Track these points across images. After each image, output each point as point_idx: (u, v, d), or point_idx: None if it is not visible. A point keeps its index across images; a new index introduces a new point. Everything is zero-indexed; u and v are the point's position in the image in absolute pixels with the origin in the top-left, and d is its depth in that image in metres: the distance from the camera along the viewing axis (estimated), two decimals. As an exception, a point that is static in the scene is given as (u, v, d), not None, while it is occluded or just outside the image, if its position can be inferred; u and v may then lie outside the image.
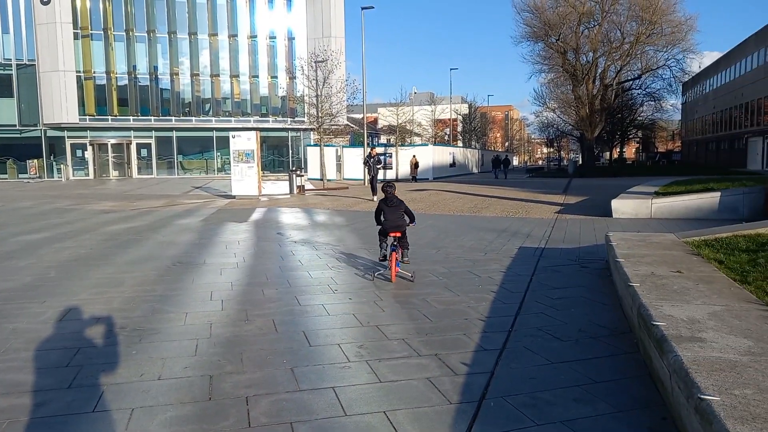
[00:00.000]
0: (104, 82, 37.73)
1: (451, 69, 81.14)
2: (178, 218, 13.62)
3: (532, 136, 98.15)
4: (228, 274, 7.06)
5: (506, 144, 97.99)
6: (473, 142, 65.46)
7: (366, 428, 3.02)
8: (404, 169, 33.88)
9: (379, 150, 34.99)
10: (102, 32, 37.39)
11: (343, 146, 37.85)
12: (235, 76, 40.50)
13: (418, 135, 53.94)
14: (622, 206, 12.59)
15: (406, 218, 6.67)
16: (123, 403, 3.35)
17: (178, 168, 40.07)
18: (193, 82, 39.60)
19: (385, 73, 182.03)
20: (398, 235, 6.56)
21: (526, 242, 9.20)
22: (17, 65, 36.59)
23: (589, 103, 40.14)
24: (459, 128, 68.52)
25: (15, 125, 36.91)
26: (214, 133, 40.14)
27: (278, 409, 3.23)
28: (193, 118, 39.80)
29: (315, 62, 32.29)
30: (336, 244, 9.39)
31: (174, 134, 39.69)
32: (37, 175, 36.84)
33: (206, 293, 6.03)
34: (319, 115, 31.17)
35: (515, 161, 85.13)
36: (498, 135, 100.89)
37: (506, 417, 3.11)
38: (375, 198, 17.02)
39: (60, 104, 36.28)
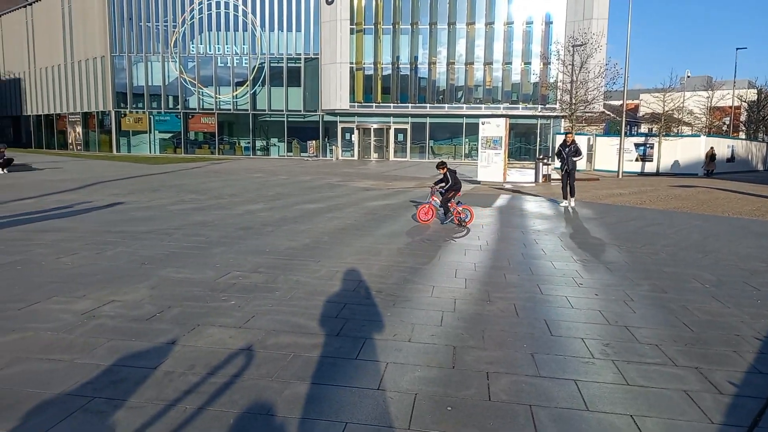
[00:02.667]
0: (371, 72, 41.74)
1: (737, 49, 69.63)
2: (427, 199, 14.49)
3: None
4: (472, 255, 7.32)
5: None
6: (761, 135, 55.27)
7: (610, 428, 2.90)
8: (666, 161, 30.36)
9: (638, 140, 31.97)
10: (373, 27, 41.31)
11: (596, 135, 35.53)
12: (488, 63, 41.01)
13: (688, 124, 47.67)
14: None
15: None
16: (379, 356, 3.79)
17: (429, 152, 42.45)
18: (448, 70, 41.30)
19: (651, 56, 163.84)
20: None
21: (828, 257, 7.53)
22: (305, 59, 42.71)
23: None
24: (742, 117, 58.49)
25: (300, 110, 43.32)
26: (464, 120, 41.39)
27: (517, 390, 3.30)
28: (446, 105, 41.58)
29: (573, 46, 30.80)
30: (581, 237, 8.97)
31: (428, 120, 42.07)
32: (315, 154, 42.74)
33: (451, 270, 6.36)
34: (573, 101, 29.75)
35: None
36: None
37: (785, 453, 2.67)
38: (570, 204, 13.46)
39: (335, 92, 41.34)
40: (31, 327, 4.17)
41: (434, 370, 3.57)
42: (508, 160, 22.60)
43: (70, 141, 48.74)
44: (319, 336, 4.16)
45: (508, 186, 19.47)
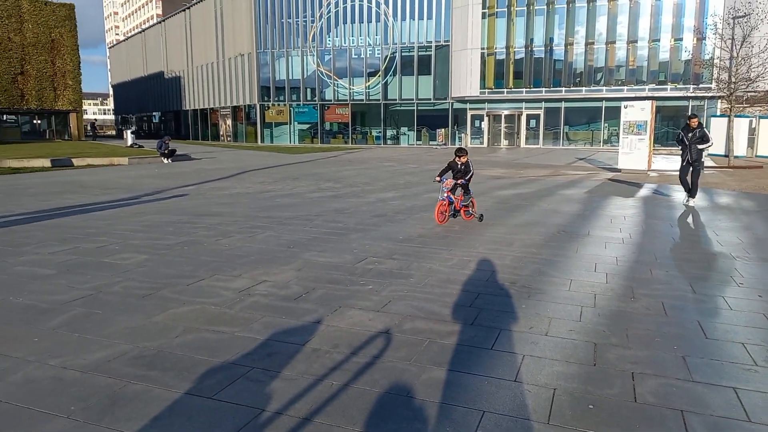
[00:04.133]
0: (503, 56, 40.67)
1: None
2: (561, 188, 13.93)
3: None
4: (613, 248, 6.94)
5: None
6: None
7: (776, 443, 2.64)
8: None
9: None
10: (505, 9, 40.14)
11: (760, 117, 31.58)
12: (632, 41, 38.05)
13: None
14: None
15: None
16: (515, 348, 3.77)
17: (563, 138, 40.57)
18: (586, 51, 39.00)
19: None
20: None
21: None
22: (435, 46, 42.72)
23: None
24: None
25: (430, 98, 43.49)
26: (604, 104, 38.91)
27: (666, 393, 3.11)
28: (583, 89, 39.36)
29: (733, 18, 27.52)
30: (741, 231, 8.10)
31: (563, 105, 40.16)
32: (443, 142, 42.76)
33: (590, 264, 6.09)
34: (732, 80, 26.67)
35: None
36: None
37: None
38: (688, 202, 10.92)
39: (465, 79, 40.91)
40: (198, 301, 4.72)
41: (574, 366, 3.48)
42: (654, 146, 20.93)
43: (221, 133, 53.41)
44: (453, 324, 4.23)
45: (653, 174, 18.06)
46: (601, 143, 39.28)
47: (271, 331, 4.02)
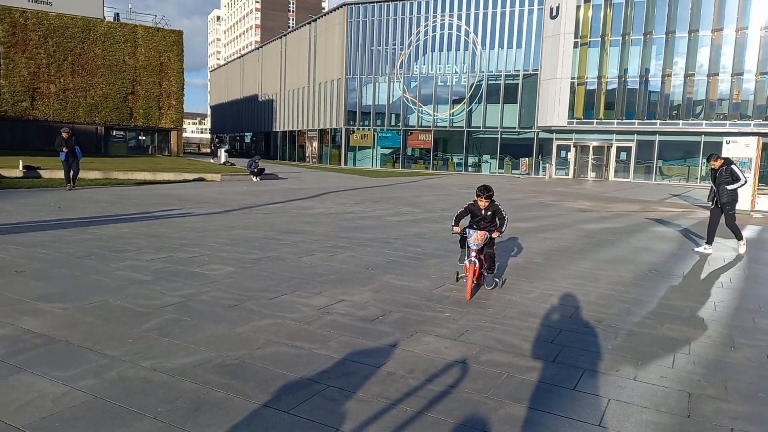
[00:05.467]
0: (594, 86, 39.51)
1: None
2: (653, 225, 13.21)
3: None
4: (712, 293, 6.45)
5: None
6: None
7: None
8: None
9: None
10: (599, 39, 39.11)
11: None
12: (738, 74, 35.80)
13: None
14: None
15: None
16: (599, 390, 3.57)
17: (656, 173, 38.60)
18: (685, 83, 37.11)
19: None
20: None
21: None
22: (523, 75, 42.24)
23: None
24: None
25: (515, 127, 42.90)
26: (702, 138, 36.72)
27: (772, 457, 2.82)
28: (681, 122, 37.38)
29: None
30: None
31: (657, 138, 38.30)
32: (526, 172, 41.91)
33: (685, 308, 5.69)
34: None
35: None
36: None
37: None
38: (739, 248, 9.70)
39: (553, 109, 40.05)
40: (280, 315, 4.85)
41: (665, 415, 3.24)
42: (759, 185, 19.44)
43: (307, 154, 55.30)
44: (533, 359, 4.07)
45: (757, 215, 16.73)
46: (698, 180, 36.99)
47: (348, 351, 4.05)
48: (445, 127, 45.29)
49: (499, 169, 43.90)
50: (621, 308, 5.56)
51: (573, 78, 39.53)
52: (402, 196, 18.54)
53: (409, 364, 3.87)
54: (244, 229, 9.78)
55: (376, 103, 47.79)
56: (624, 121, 38.81)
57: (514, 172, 42.89)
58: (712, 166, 9.74)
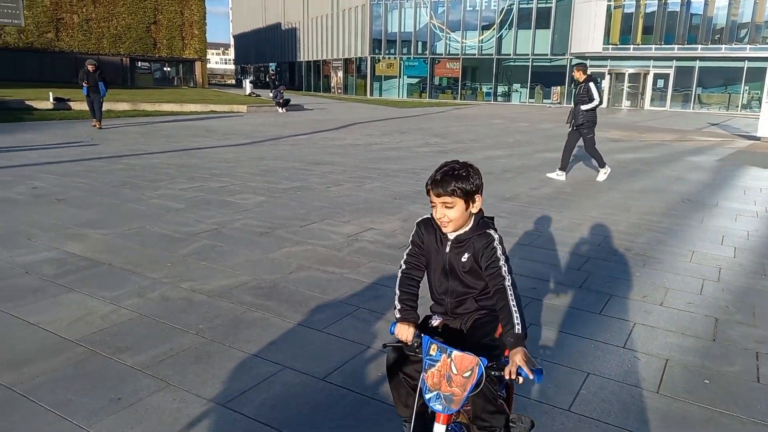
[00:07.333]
0: (632, 9, 37.43)
1: None
2: (689, 154, 12.86)
3: None
4: (744, 221, 6.35)
5: None
6: None
7: None
8: None
9: None
10: (640, -43, 36.68)
11: None
12: (789, -8, 33.43)
13: None
14: None
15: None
16: (625, 315, 3.62)
17: (694, 101, 37.06)
18: (730, 3, 34.85)
19: None
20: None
21: None
22: (557, -1, 40.19)
23: None
24: None
25: (547, 54, 41.27)
26: (746, 64, 34.84)
27: (796, 378, 2.87)
28: (723, 46, 35.41)
29: None
30: None
31: (696, 64, 36.49)
32: (558, 101, 40.68)
33: (716, 236, 5.63)
34: None
35: None
36: None
37: None
38: (600, 175, 8.84)
39: (587, 34, 38.24)
40: (310, 242, 4.96)
41: (690, 339, 3.30)
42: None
43: (332, 84, 54.45)
44: (559, 285, 4.13)
45: (799, 145, 16.08)
46: (739, 108, 35.44)
47: (378, 276, 4.17)
48: (474, 54, 43.81)
49: (529, 98, 42.65)
50: (651, 237, 5.53)
51: (609, 1, 37.44)
52: (429, 127, 18.29)
53: (438, 288, 3.96)
54: (272, 159, 9.85)
55: (402, 30, 46.27)
56: (662, 46, 36.94)
57: (545, 101, 41.64)
58: (576, 78, 8.71)
